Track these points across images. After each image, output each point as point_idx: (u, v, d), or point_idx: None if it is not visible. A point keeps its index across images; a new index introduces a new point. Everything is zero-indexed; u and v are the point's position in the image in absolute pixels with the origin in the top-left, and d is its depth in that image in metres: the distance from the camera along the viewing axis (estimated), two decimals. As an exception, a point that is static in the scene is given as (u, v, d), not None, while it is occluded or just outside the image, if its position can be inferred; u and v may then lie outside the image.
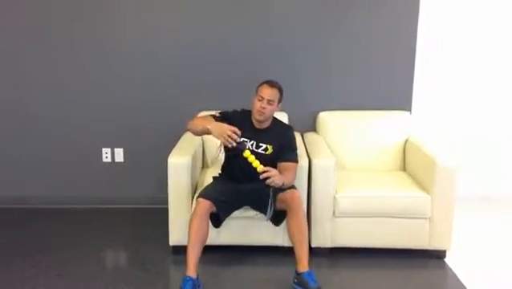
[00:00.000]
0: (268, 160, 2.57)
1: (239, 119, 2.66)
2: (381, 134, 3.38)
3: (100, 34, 3.51)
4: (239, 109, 2.78)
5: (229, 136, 2.41)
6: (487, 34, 3.67)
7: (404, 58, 3.53)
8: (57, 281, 2.61)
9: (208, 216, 2.57)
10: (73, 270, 2.74)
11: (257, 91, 2.62)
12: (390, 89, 3.56)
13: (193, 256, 2.46)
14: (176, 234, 2.85)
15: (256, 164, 2.41)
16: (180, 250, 2.88)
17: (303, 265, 2.50)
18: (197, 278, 2.45)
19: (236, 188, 2.69)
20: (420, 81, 3.61)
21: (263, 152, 2.66)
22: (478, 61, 3.71)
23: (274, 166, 2.56)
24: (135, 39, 3.52)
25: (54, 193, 3.74)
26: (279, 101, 2.64)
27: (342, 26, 3.49)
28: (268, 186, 2.45)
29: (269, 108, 2.58)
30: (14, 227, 3.38)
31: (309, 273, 2.48)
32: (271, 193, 2.56)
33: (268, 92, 2.57)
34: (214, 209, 2.60)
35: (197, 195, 2.67)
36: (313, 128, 3.57)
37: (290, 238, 2.58)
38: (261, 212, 2.71)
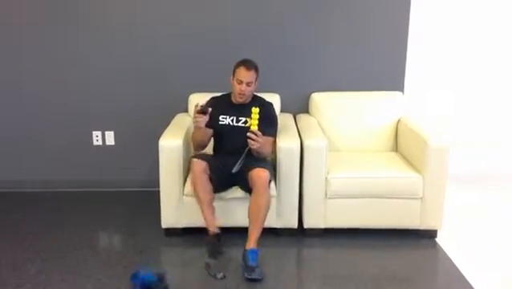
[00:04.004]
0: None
1: (218, 102, 2.79)
2: (374, 115, 3.37)
3: (91, 18, 3.44)
4: (220, 94, 2.88)
5: (195, 115, 2.59)
6: (480, 14, 3.64)
7: (397, 38, 3.49)
8: (49, 264, 2.61)
9: (206, 174, 2.64)
10: (66, 253, 2.74)
11: (234, 73, 2.72)
12: (382, 70, 3.54)
13: (208, 213, 2.57)
14: (169, 217, 2.85)
15: (254, 123, 2.54)
16: (173, 233, 2.90)
17: (250, 243, 2.54)
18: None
19: (227, 169, 2.69)
20: (412, 61, 3.58)
21: (243, 124, 2.76)
22: (471, 41, 3.69)
23: None
24: (125, 24, 3.45)
25: (45, 177, 3.71)
26: (256, 79, 2.76)
27: (334, 7, 3.44)
28: (247, 145, 2.59)
29: (248, 90, 2.72)
30: (6, 211, 3.36)
31: (252, 251, 2.50)
32: (246, 150, 2.62)
33: (246, 75, 2.68)
34: (209, 172, 2.66)
35: (191, 155, 2.74)
36: (305, 109, 3.55)
37: (248, 214, 2.60)
38: (247, 192, 2.72)
